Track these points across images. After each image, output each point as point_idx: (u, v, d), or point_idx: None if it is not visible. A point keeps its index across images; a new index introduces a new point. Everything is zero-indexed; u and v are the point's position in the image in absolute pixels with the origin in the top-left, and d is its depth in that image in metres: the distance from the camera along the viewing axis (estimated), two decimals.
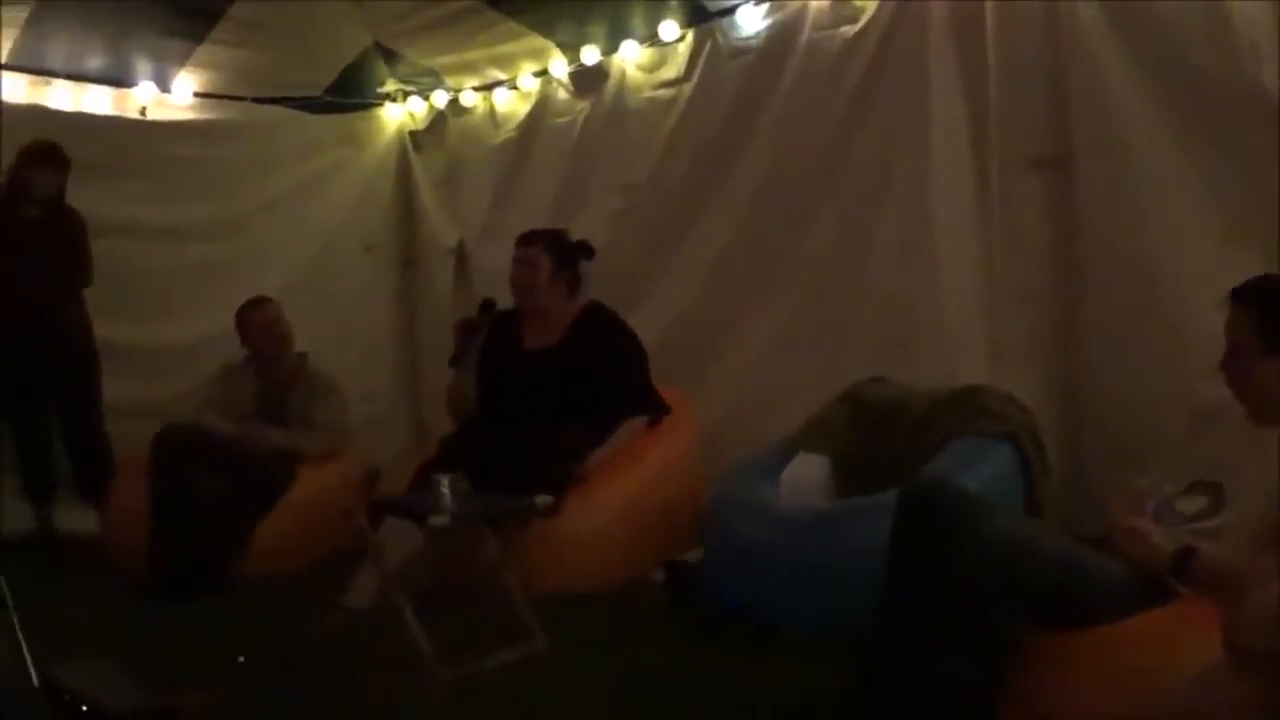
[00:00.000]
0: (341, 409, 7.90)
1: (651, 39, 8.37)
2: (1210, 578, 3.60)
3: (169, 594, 6.49)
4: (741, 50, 7.85)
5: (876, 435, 6.18)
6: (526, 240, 7.08)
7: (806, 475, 6.10)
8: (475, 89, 9.64)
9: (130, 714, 3.39)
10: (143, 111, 9.06)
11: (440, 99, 9.92)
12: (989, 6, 6.61)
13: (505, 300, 7.06)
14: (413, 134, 10.19)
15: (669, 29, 8.21)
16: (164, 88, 9.11)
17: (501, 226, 8.90)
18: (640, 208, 8.40)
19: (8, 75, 8.48)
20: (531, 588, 5.56)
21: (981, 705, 3.77)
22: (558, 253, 7.01)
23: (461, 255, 9.79)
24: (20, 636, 4.28)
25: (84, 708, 3.42)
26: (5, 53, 8.34)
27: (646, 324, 7.40)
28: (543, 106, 9.19)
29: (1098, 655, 3.75)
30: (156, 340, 9.00)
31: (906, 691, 3.86)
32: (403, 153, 10.26)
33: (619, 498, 6.57)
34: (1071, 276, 6.46)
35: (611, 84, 8.66)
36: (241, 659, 5.35)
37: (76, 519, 8.04)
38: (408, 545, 5.74)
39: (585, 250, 7.12)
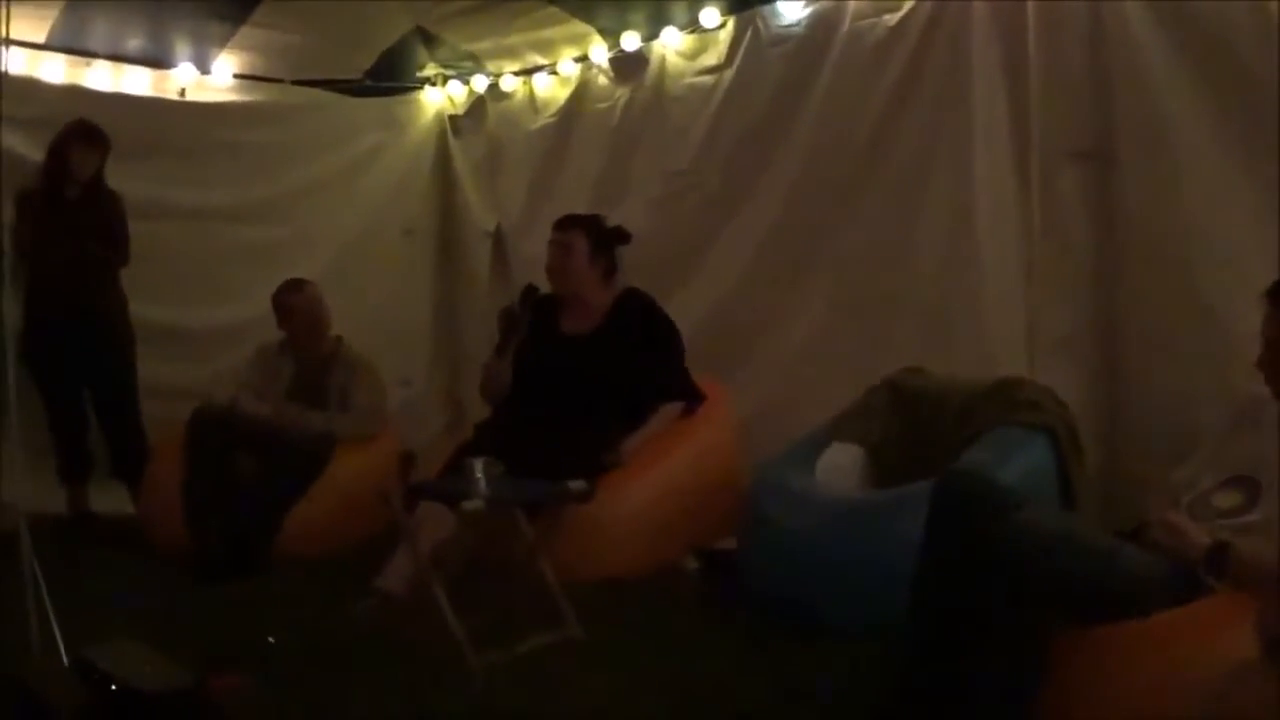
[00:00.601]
0: (378, 392, 7.90)
1: (692, 25, 8.33)
2: (1245, 572, 3.59)
3: (203, 575, 6.53)
4: (782, 38, 7.82)
5: (913, 425, 6.17)
6: (563, 225, 7.06)
7: (842, 465, 6.10)
8: (515, 74, 9.63)
9: (161, 694, 3.39)
10: (182, 93, 9.06)
11: (480, 84, 9.91)
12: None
13: (545, 287, 7.04)
14: (452, 118, 10.19)
15: (710, 16, 8.18)
16: (204, 69, 9.11)
17: (540, 212, 8.90)
18: (680, 195, 8.37)
19: (48, 56, 8.49)
20: (565, 573, 5.57)
21: (1016, 698, 3.76)
22: (594, 238, 6.99)
23: (499, 240, 9.79)
24: (51, 616, 4.31)
25: (113, 687, 3.42)
26: (45, 33, 8.34)
27: (685, 311, 7.39)
28: (582, 92, 9.17)
29: (1131, 649, 3.74)
30: (194, 322, 9.02)
31: (942, 684, 3.86)
32: (442, 137, 10.27)
33: (653, 484, 6.55)
34: (1112, 270, 6.41)
35: (652, 70, 8.64)
36: (271, 639, 5.37)
37: (111, 500, 8.06)
38: (442, 529, 5.76)
39: (621, 236, 7.10)
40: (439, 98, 10.20)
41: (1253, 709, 2.95)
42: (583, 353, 6.78)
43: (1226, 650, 3.16)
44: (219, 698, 3.53)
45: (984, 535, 3.85)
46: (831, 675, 4.71)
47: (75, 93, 8.57)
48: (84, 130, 7.73)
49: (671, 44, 8.49)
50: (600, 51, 8.94)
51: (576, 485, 5.49)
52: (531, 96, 9.58)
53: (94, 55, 8.71)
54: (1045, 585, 3.74)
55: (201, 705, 3.44)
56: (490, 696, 4.70)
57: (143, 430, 8.03)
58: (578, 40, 9.02)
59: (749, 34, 8.01)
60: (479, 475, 5.20)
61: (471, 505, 5.23)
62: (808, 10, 7.68)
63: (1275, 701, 2.88)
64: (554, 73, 9.35)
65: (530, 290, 6.94)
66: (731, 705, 4.60)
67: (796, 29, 7.74)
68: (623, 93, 8.87)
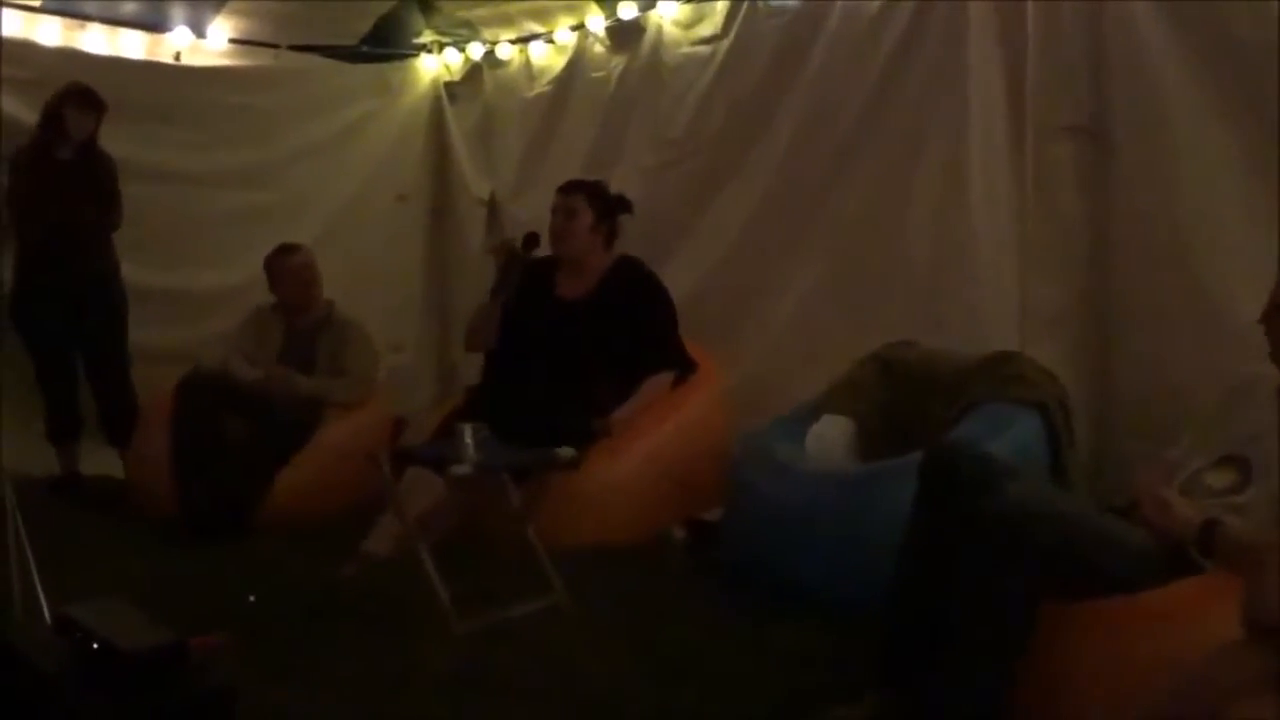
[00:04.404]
0: (369, 357, 7.87)
1: None
2: (1234, 551, 3.57)
3: (192, 538, 6.53)
4: (779, 10, 7.78)
5: (904, 398, 6.16)
6: (568, 189, 7.09)
7: (830, 437, 6.10)
8: (511, 42, 9.62)
9: (142, 652, 3.38)
10: (177, 57, 9.01)
11: (476, 51, 9.89)
12: None
13: (546, 237, 7.05)
14: (448, 85, 10.17)
15: None
16: (199, 33, 9.06)
17: (535, 179, 8.96)
18: (674, 164, 8.34)
19: (43, 18, 8.47)
20: (553, 540, 5.57)
21: (999, 672, 3.76)
22: (598, 203, 7.02)
23: (493, 207, 9.79)
24: (34, 575, 4.31)
25: (95, 645, 3.41)
26: None
27: (678, 280, 7.41)
28: (578, 60, 9.15)
29: (1118, 625, 3.74)
30: (186, 285, 9.02)
31: (924, 655, 3.87)
32: (437, 104, 10.25)
33: (642, 453, 6.58)
34: (1105, 247, 6.39)
35: (648, 39, 8.61)
36: (251, 597, 5.41)
37: (100, 462, 8.07)
38: (430, 494, 5.77)
39: (624, 204, 7.14)
40: (435, 65, 10.17)
41: (1237, 689, 2.94)
42: (576, 317, 6.80)
43: (1214, 629, 3.14)
44: (201, 656, 3.51)
45: (973, 506, 3.84)
46: (815, 644, 4.72)
47: (70, 55, 8.55)
48: (79, 92, 7.68)
49: (668, 14, 8.45)
50: (597, 20, 8.91)
51: (564, 452, 5.51)
52: (528, 64, 9.56)
53: (89, 18, 8.67)
54: (1033, 558, 3.72)
55: (183, 663, 3.43)
56: (474, 660, 4.69)
57: (133, 393, 8.00)
58: (574, 9, 9.01)
59: (745, 5, 7.97)
60: (467, 441, 5.22)
61: (459, 471, 5.24)
62: None
63: (1260, 682, 2.87)
64: (550, 41, 9.33)
65: (532, 237, 6.90)
66: (714, 672, 4.60)
67: (793, 1, 7.70)
68: (618, 62, 8.85)
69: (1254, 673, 2.87)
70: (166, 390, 7.29)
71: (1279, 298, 3.90)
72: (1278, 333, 3.89)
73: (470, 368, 7.38)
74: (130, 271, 8.11)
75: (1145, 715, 3.17)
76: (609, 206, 7.07)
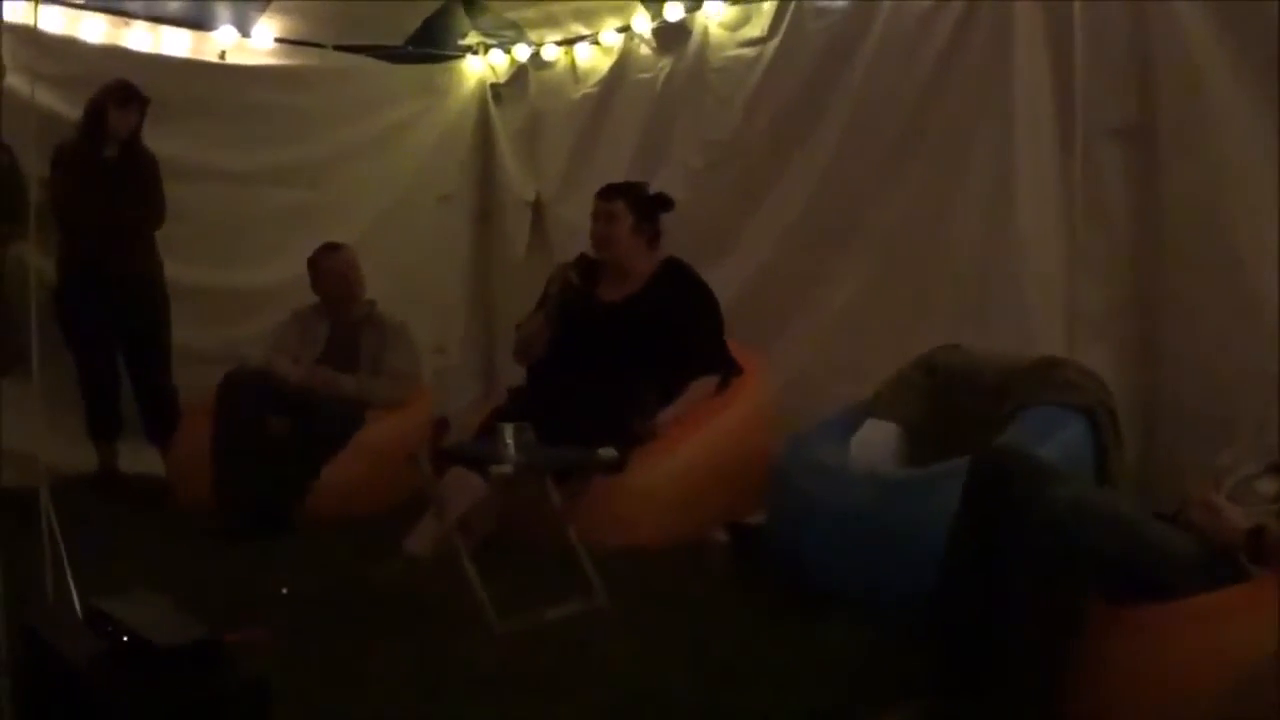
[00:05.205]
0: (411, 357, 7.89)
1: None
2: None
3: (232, 535, 6.51)
4: (826, 11, 7.75)
5: (950, 403, 6.11)
6: (607, 194, 7.05)
7: (876, 441, 6.04)
8: (557, 43, 9.59)
9: (173, 646, 3.35)
10: (222, 55, 9.03)
11: (522, 52, 9.86)
12: None
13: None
14: (493, 86, 10.15)
15: None
16: (244, 32, 9.09)
17: (580, 181, 8.90)
18: (720, 166, 8.31)
19: (86, 15, 8.48)
20: (594, 542, 5.56)
21: (1046, 675, 3.72)
22: (638, 206, 6.99)
23: (538, 209, 9.77)
24: (67, 567, 4.29)
25: (125, 638, 3.38)
26: None
27: (724, 282, 7.37)
28: (624, 62, 9.12)
29: (1165, 630, 3.71)
30: (230, 284, 9.01)
31: (975, 658, 3.83)
32: (482, 105, 10.24)
33: (686, 456, 6.55)
34: (1153, 248, 6.34)
35: (694, 41, 8.57)
36: (284, 589, 5.44)
37: (141, 461, 8.09)
38: (471, 494, 5.75)
39: (664, 203, 7.09)
40: (480, 66, 10.15)
41: None
42: (620, 319, 6.77)
43: (1261, 636, 3.12)
44: (235, 651, 3.49)
45: (1021, 508, 3.81)
46: (857, 649, 4.67)
47: (114, 53, 8.56)
48: (122, 90, 7.71)
49: (714, 15, 8.42)
50: (642, 21, 8.88)
51: (606, 453, 5.50)
52: (573, 66, 9.53)
53: (134, 16, 8.69)
54: (1080, 560, 3.69)
55: (216, 658, 3.40)
56: (514, 661, 4.67)
57: (174, 392, 8.03)
58: (620, 10, 9.00)
59: (792, 7, 7.94)
60: (509, 441, 5.21)
61: (500, 470, 5.23)
62: None
63: None
64: (596, 42, 9.31)
65: (584, 261, 6.92)
66: (755, 675, 4.56)
67: (840, 2, 7.67)
68: (665, 63, 8.82)
69: None
70: (209, 389, 7.29)
71: None
72: None
73: (513, 369, 7.35)
74: (172, 270, 8.13)
75: (1207, 715, 3.13)
76: (649, 207, 7.03)
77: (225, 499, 6.89)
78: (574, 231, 7.27)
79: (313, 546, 6.36)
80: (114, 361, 7.94)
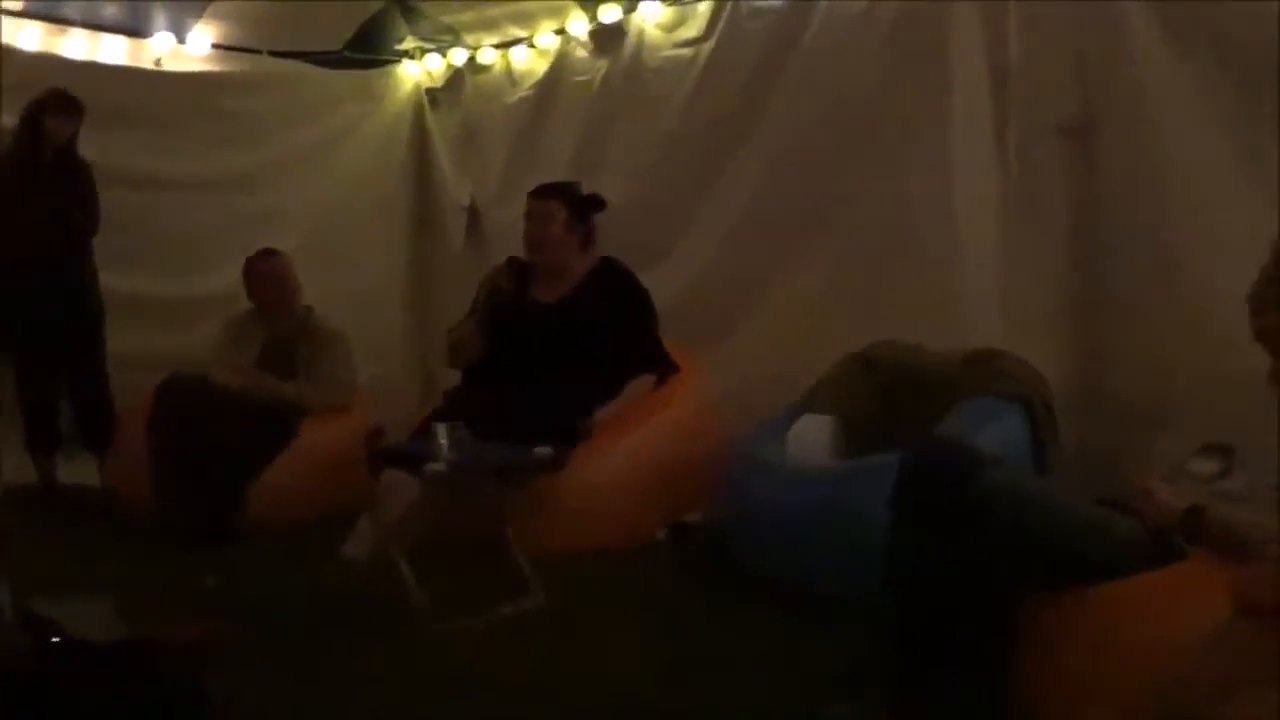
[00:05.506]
0: (348, 363, 7.84)
1: None
2: (1220, 535, 3.54)
3: (171, 541, 6.47)
4: (762, 12, 7.77)
5: (887, 397, 6.17)
6: (540, 193, 7.04)
7: (811, 435, 6.09)
8: (494, 47, 9.60)
9: (106, 645, 3.33)
10: (158, 62, 9.00)
11: (458, 57, 9.86)
12: None
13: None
14: (430, 91, 10.16)
15: None
16: (180, 39, 9.05)
17: (518, 185, 8.79)
18: (658, 167, 8.33)
19: (23, 23, 8.44)
20: (532, 543, 5.55)
21: (994, 661, 3.72)
22: (571, 205, 6.96)
23: (474, 213, 9.78)
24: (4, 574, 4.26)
25: (56, 639, 3.36)
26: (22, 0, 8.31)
27: (665, 283, 7.40)
28: (561, 65, 9.15)
29: (1106, 613, 3.69)
30: (166, 292, 8.95)
31: (919, 648, 3.82)
32: (419, 110, 10.24)
33: (624, 455, 6.55)
34: (1090, 244, 6.38)
35: (630, 43, 8.60)
36: (210, 580, 5.52)
37: (80, 472, 8.02)
38: (406, 496, 5.70)
39: (597, 203, 7.06)
40: (417, 71, 10.15)
41: (1228, 672, 2.90)
42: (553, 320, 6.73)
43: (1202, 615, 3.11)
44: (175, 648, 3.47)
45: (957, 496, 3.80)
46: (799, 642, 4.69)
47: (50, 60, 8.52)
48: (58, 97, 7.65)
49: (650, 17, 8.45)
50: (579, 24, 8.91)
51: (542, 451, 5.48)
52: (510, 69, 9.55)
53: (69, 23, 8.65)
54: (1018, 546, 3.69)
55: (151, 655, 3.38)
56: (448, 663, 4.66)
57: (111, 401, 7.98)
58: (556, 13, 9.02)
59: (728, 7, 7.97)
60: (443, 440, 5.20)
61: (434, 469, 5.21)
62: None
63: (1250, 665, 2.83)
64: (532, 45, 9.33)
65: (514, 264, 6.90)
66: (698, 671, 4.57)
67: (776, 2, 7.68)
68: (601, 65, 8.84)
69: (1245, 655, 2.84)
70: (146, 397, 7.24)
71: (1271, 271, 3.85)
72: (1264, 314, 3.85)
73: (450, 374, 7.33)
74: (110, 279, 8.08)
75: (1155, 700, 3.13)
76: (583, 208, 7.01)
77: (163, 505, 6.84)
78: (512, 235, 7.24)
79: (248, 551, 6.37)
80: (53, 374, 7.89)
